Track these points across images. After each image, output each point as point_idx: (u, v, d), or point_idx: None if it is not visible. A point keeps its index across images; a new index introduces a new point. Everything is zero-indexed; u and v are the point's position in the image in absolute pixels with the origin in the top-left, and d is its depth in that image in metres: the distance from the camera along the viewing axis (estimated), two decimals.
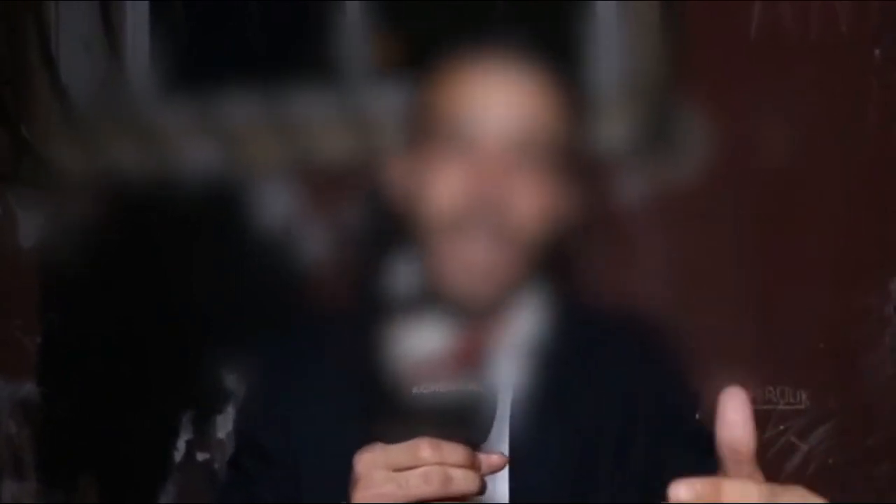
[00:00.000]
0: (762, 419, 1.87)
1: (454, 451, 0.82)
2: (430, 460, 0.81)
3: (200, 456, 2.01)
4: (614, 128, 1.91)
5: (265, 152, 1.98)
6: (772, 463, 1.81)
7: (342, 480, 0.87)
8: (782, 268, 1.89)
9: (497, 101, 1.02)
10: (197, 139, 1.99)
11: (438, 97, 1.04)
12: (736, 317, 1.87)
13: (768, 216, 1.89)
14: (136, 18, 2.09)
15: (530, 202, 1.00)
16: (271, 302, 1.93)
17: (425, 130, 1.04)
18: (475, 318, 1.01)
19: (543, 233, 1.01)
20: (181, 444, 2.01)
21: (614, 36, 1.98)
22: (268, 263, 1.97)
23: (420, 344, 0.85)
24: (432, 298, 1.00)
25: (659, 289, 1.84)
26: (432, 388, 0.83)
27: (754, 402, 1.94)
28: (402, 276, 1.03)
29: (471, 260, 1.00)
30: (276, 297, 1.94)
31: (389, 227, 1.05)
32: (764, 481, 0.68)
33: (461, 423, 0.83)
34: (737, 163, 1.88)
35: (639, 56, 1.95)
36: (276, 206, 1.97)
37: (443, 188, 1.01)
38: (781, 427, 1.90)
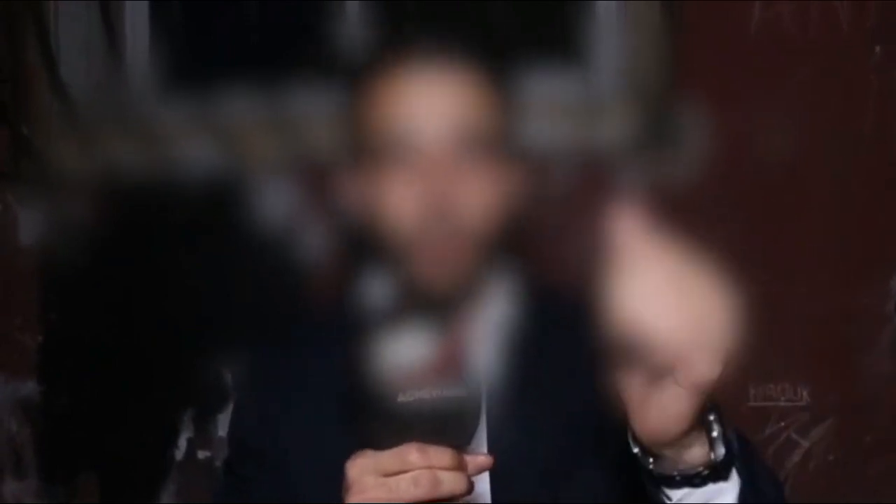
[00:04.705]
0: (763, 416, 1.88)
1: (441, 455, 0.84)
2: (419, 464, 0.84)
3: (201, 454, 2.01)
4: (614, 127, 1.92)
5: (264, 151, 1.98)
6: (772, 459, 1.82)
7: (334, 484, 0.88)
8: (782, 265, 1.89)
9: (428, 105, 1.03)
10: (196, 138, 1.99)
11: (371, 109, 1.05)
12: (737, 314, 1.87)
13: (768, 214, 1.90)
14: (136, 17, 2.09)
15: (480, 197, 1.02)
16: (271, 300, 1.93)
17: (365, 143, 1.06)
18: (449, 313, 1.02)
19: (498, 221, 1.04)
20: (182, 443, 2.01)
21: (614, 36, 1.98)
22: (267, 261, 1.97)
23: (402, 352, 0.85)
24: (407, 301, 1.02)
25: None
26: (417, 394, 0.84)
27: (755, 398, 1.92)
28: (375, 281, 1.05)
29: (434, 262, 1.02)
30: (276, 294, 1.94)
31: (358, 237, 1.07)
32: None
33: (446, 427, 0.85)
34: (736, 161, 1.88)
35: (639, 56, 1.95)
36: (276, 204, 1.97)
37: (394, 202, 1.03)
38: (782, 424, 1.90)
